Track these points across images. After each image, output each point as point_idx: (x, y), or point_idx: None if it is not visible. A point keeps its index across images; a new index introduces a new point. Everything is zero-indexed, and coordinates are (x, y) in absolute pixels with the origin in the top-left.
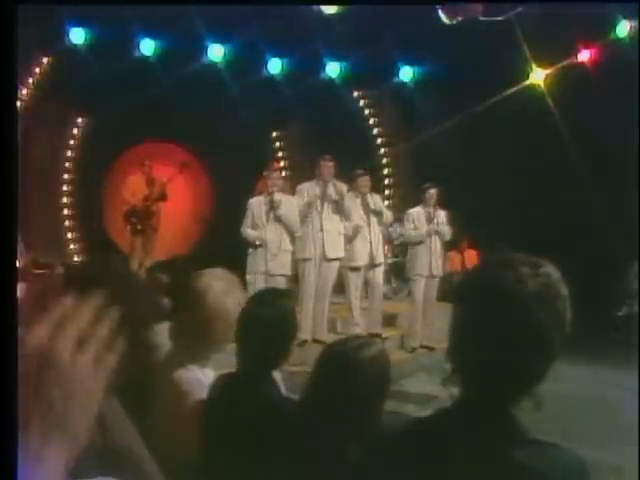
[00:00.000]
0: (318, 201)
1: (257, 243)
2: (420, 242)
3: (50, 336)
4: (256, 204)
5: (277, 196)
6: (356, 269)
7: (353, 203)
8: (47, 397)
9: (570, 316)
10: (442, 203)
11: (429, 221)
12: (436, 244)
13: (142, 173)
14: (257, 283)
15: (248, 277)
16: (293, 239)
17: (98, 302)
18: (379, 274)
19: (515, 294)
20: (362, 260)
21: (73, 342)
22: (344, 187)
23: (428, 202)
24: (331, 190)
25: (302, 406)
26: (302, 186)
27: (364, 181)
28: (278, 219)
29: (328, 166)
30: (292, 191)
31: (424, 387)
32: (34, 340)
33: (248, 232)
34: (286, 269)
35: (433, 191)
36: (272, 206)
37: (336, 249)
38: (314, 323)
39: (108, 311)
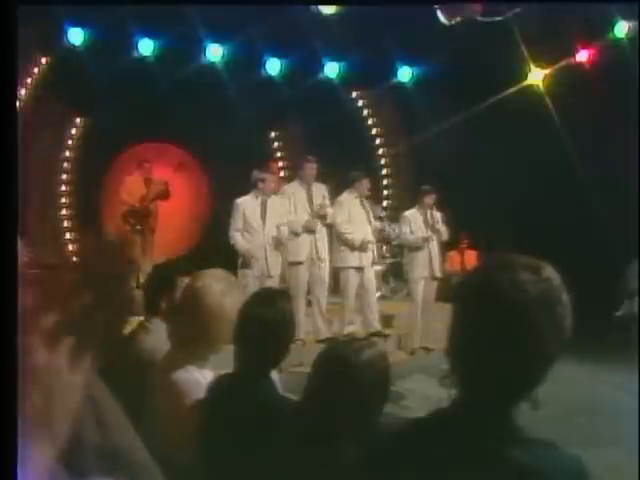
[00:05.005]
0: (307, 206)
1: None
2: (417, 246)
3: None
4: (247, 205)
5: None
6: (350, 268)
7: (352, 203)
8: (27, 396)
9: (570, 321)
10: (439, 204)
11: (426, 223)
12: (434, 245)
13: (140, 173)
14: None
15: (244, 280)
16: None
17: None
18: (373, 273)
19: (514, 297)
20: (355, 260)
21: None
22: (325, 191)
23: (425, 205)
24: (315, 192)
25: (301, 407)
26: (287, 188)
27: (364, 184)
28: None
29: (312, 168)
30: None
31: (422, 388)
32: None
33: (238, 240)
34: (277, 269)
35: (432, 196)
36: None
37: (324, 251)
38: (311, 323)
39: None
